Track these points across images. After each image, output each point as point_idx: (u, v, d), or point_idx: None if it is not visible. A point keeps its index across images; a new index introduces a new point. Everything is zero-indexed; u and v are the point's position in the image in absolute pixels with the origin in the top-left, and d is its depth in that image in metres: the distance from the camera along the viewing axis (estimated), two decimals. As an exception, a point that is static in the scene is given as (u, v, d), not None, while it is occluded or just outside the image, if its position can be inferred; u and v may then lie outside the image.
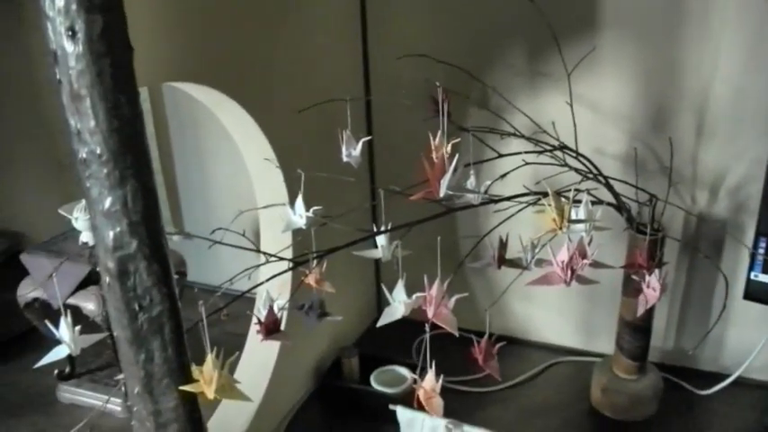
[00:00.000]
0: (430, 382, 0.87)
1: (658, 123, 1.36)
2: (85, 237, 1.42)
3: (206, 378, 0.84)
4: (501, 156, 1.23)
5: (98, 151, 0.87)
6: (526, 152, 1.21)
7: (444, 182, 0.83)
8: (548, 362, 1.58)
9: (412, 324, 1.59)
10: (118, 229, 0.90)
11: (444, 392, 0.91)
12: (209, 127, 1.85)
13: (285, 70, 1.29)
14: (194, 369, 0.92)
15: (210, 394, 0.84)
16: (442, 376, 0.87)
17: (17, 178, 2.33)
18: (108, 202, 0.89)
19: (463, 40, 1.47)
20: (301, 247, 1.08)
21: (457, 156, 0.84)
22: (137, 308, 0.93)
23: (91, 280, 1.36)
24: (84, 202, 1.42)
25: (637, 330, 1.35)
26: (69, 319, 0.98)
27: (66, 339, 0.98)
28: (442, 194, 0.84)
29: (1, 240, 2.32)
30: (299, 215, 1.06)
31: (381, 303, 1.77)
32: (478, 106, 1.45)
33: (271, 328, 0.95)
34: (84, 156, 0.88)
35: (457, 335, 0.89)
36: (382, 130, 1.58)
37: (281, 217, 1.08)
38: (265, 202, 1.29)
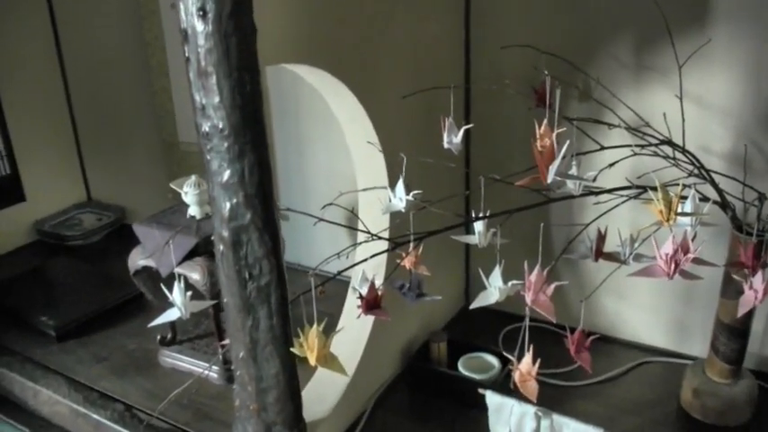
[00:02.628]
0: (526, 366, 0.88)
1: (768, 122, 1.32)
2: (193, 210, 1.51)
3: (309, 346, 0.88)
4: (604, 148, 1.22)
5: (220, 126, 0.92)
6: (634, 146, 1.20)
7: (553, 168, 0.84)
8: (637, 360, 1.56)
9: (499, 314, 1.60)
10: (234, 200, 0.95)
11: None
12: (309, 112, 1.90)
13: (392, 57, 1.32)
14: (297, 340, 0.95)
15: (312, 361, 0.88)
16: (539, 360, 0.88)
17: (125, 157, 2.46)
18: (227, 175, 0.94)
19: (566, 30, 1.46)
20: (398, 230, 1.11)
21: (568, 142, 0.84)
22: (247, 276, 0.98)
23: (197, 251, 1.43)
24: (193, 177, 1.51)
25: (734, 333, 1.31)
26: (182, 284, 1.03)
27: (179, 303, 1.03)
28: (550, 180, 0.85)
29: (109, 214, 2.47)
30: (400, 198, 1.08)
31: (470, 291, 1.79)
32: (580, 99, 1.44)
33: (371, 304, 0.98)
34: (207, 130, 0.93)
35: (554, 321, 0.90)
36: (479, 118, 1.58)
37: (381, 200, 1.11)
38: (365, 185, 1.33)
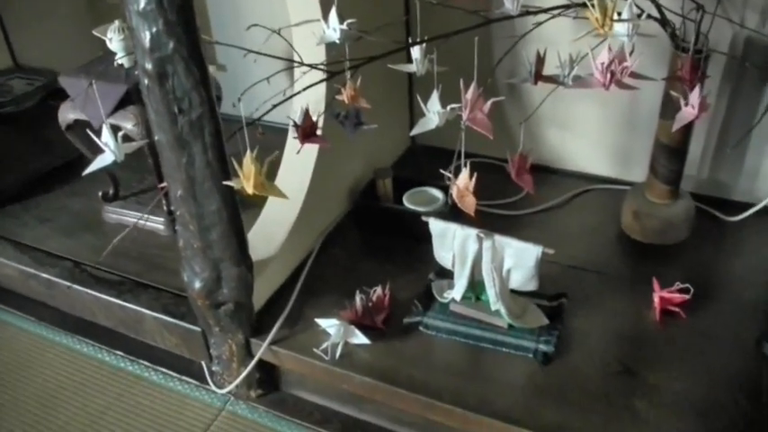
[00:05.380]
0: (464, 181, 0.88)
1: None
2: (120, 57, 1.44)
3: (245, 174, 0.87)
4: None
5: (129, -55, 0.85)
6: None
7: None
8: (580, 188, 1.59)
9: (446, 152, 1.60)
10: (154, 29, 0.90)
11: (478, 215, 0.94)
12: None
13: None
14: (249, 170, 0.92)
15: (249, 189, 0.87)
16: (475, 174, 0.88)
17: (49, 17, 2.31)
18: (143, 1, 0.88)
19: None
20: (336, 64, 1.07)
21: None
22: (176, 110, 0.95)
23: (129, 101, 1.37)
24: (117, 23, 1.42)
25: (672, 153, 1.33)
26: (110, 129, 1.00)
27: (111, 146, 1.00)
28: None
29: (39, 78, 2.35)
30: (334, 29, 1.04)
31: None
32: None
33: (308, 132, 0.96)
34: (116, -49, 0.86)
35: (491, 137, 0.90)
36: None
37: (315, 34, 1.07)
38: (299, 20, 1.27)
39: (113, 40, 1.38)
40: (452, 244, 1.15)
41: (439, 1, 1.08)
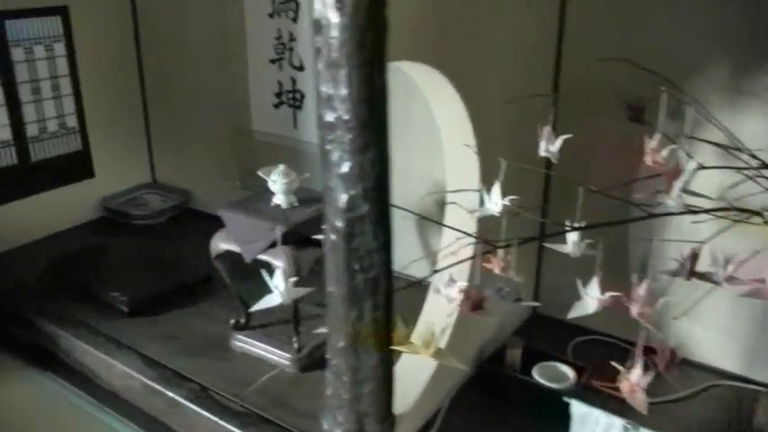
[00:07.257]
0: (637, 376, 0.89)
1: None
2: (279, 199, 1.53)
3: (425, 342, 0.90)
4: (703, 167, 1.22)
5: (346, 117, 0.93)
6: (735, 168, 1.20)
7: (679, 183, 0.85)
8: (709, 382, 1.55)
9: (568, 325, 1.61)
10: (352, 192, 0.96)
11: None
12: (402, 116, 1.87)
13: (495, 63, 1.34)
14: (399, 331, 0.96)
15: (429, 356, 0.90)
16: (650, 372, 0.88)
17: (192, 141, 2.50)
18: (346, 167, 0.95)
19: (659, 47, 1.46)
20: (485, 233, 1.12)
21: (692, 161, 0.85)
22: (357, 268, 0.99)
23: (282, 240, 1.45)
24: (281, 167, 1.53)
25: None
26: (285, 268, 1.06)
27: (281, 289, 1.05)
28: (674, 195, 0.86)
29: (174, 196, 2.51)
30: (495, 203, 1.10)
31: (539, 299, 1.78)
32: (671, 117, 1.43)
33: (476, 305, 0.99)
34: (331, 120, 0.95)
35: (657, 332, 0.90)
36: (567, 128, 1.58)
37: (469, 202, 1.13)
38: (456, 187, 1.34)
39: (276, 182, 1.48)
40: (594, 429, 1.13)
41: (599, 189, 1.13)
